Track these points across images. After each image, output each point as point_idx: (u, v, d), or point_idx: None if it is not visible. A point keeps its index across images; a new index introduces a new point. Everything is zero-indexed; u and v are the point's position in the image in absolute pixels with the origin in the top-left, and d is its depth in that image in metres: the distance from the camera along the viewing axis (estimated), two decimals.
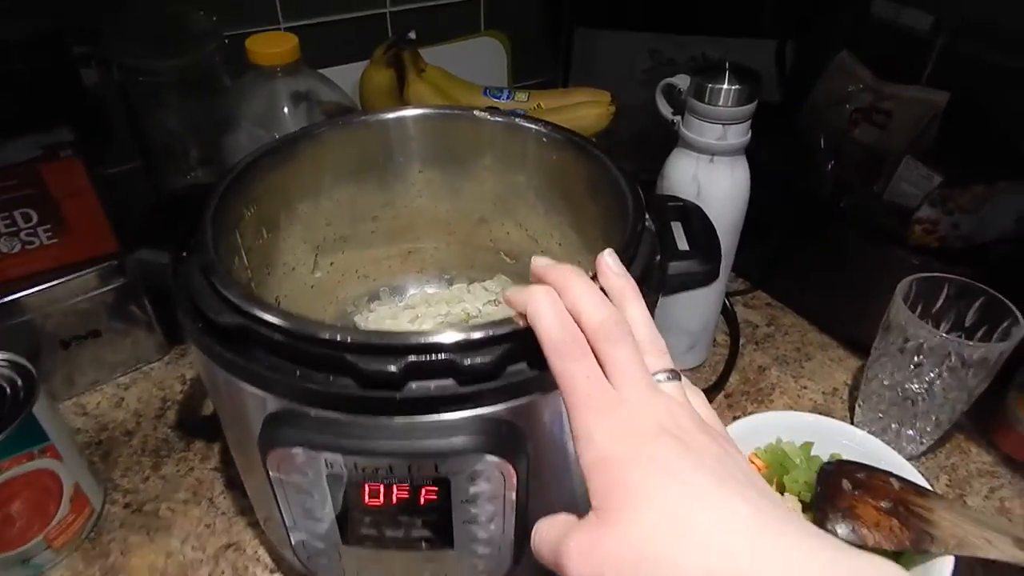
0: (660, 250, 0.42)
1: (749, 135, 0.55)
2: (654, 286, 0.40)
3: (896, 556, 0.49)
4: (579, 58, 0.91)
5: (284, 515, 0.38)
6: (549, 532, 0.29)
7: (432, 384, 0.33)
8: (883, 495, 0.51)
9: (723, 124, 0.53)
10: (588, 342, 0.30)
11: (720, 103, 0.52)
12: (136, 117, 0.65)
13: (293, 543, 0.40)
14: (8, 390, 0.47)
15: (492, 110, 0.52)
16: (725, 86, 0.52)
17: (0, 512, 0.46)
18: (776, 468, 0.55)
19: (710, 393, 0.66)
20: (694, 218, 0.45)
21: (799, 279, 0.75)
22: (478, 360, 0.32)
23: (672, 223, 0.45)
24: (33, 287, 0.57)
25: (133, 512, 0.55)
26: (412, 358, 0.32)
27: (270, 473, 0.35)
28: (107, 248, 0.60)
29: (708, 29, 0.88)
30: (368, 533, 0.37)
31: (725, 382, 0.67)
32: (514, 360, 0.34)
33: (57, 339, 0.60)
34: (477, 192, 0.55)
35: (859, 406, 0.63)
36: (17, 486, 0.46)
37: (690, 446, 0.27)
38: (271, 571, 0.52)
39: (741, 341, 0.71)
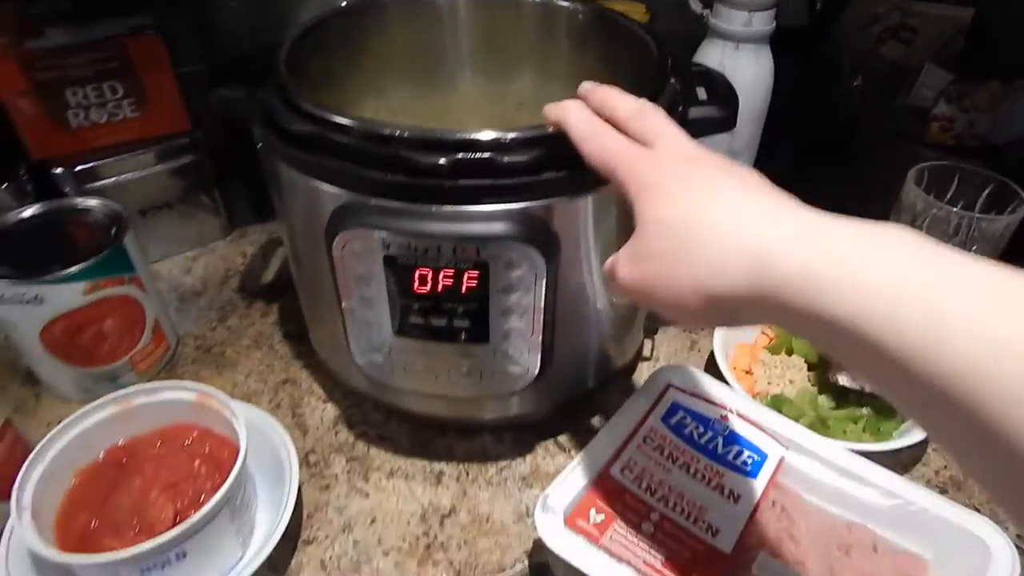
0: (683, 103, 0.46)
1: (773, 25, 0.59)
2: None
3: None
4: None
5: (345, 311, 0.44)
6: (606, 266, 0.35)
7: (476, 178, 0.38)
8: None
9: (749, 11, 0.57)
10: (622, 130, 0.35)
11: None
12: (203, 11, 0.71)
13: (351, 341, 0.46)
14: (105, 226, 0.54)
15: None
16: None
17: (95, 327, 0.53)
18: (783, 337, 0.60)
19: None
20: (716, 80, 0.49)
21: (818, 190, 0.79)
22: (516, 158, 0.38)
23: (696, 87, 0.49)
24: (116, 156, 0.64)
25: (203, 352, 0.62)
26: (459, 154, 0.38)
27: (335, 261, 0.41)
28: (181, 126, 0.67)
29: None
30: (416, 322, 0.43)
31: None
32: (550, 164, 0.39)
33: (136, 207, 0.67)
34: (516, 74, 0.60)
35: None
36: (110, 305, 0.53)
37: (721, 167, 0.32)
38: (323, 401, 0.58)
39: None
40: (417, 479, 0.52)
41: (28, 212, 0.54)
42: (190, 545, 0.40)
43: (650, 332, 0.60)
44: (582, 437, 0.55)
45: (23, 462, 0.43)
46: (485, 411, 0.51)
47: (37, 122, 0.59)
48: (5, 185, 0.59)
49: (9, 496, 0.41)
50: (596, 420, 0.57)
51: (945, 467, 0.53)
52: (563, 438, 0.55)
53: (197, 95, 0.68)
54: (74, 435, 0.44)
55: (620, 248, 0.34)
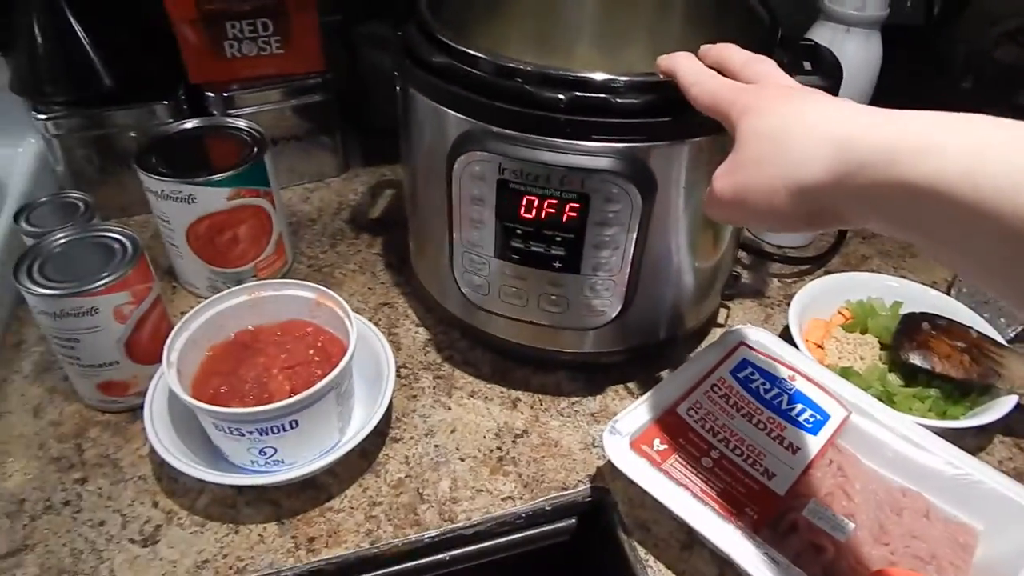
0: (789, 71, 0.49)
1: (887, 11, 0.60)
2: None
3: (963, 390, 0.54)
4: None
5: (453, 233, 0.49)
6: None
7: (589, 116, 0.42)
8: (960, 338, 0.56)
9: None
10: (735, 79, 0.39)
11: None
12: None
13: (454, 262, 0.51)
14: (249, 144, 0.61)
15: None
16: None
17: (232, 230, 0.60)
18: (861, 318, 0.61)
19: (812, 265, 0.72)
20: (823, 54, 0.51)
21: None
22: (626, 100, 0.42)
23: (803, 61, 0.52)
24: (261, 87, 0.72)
25: (314, 271, 0.69)
26: (576, 92, 0.42)
27: (453, 181, 0.46)
28: (317, 66, 0.73)
29: None
30: (517, 246, 0.47)
31: (828, 260, 0.73)
32: (656, 110, 0.42)
33: (269, 136, 0.74)
34: (630, 41, 0.63)
35: (956, 289, 0.67)
36: (246, 214, 0.60)
37: (821, 93, 0.35)
38: (416, 325, 0.64)
39: (849, 233, 0.76)
40: (495, 401, 0.57)
41: (188, 124, 0.62)
42: (301, 416, 0.46)
43: (727, 299, 0.63)
44: (650, 385, 0.58)
45: (168, 333, 0.51)
46: (563, 344, 0.55)
47: (198, 49, 0.67)
48: (166, 102, 0.67)
49: (156, 359, 0.48)
50: (665, 373, 0.60)
51: (1010, 458, 0.54)
52: (632, 384, 0.59)
53: (331, 44, 0.75)
54: (212, 314, 0.51)
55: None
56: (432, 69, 0.46)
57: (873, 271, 0.73)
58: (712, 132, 0.44)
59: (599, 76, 0.42)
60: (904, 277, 0.72)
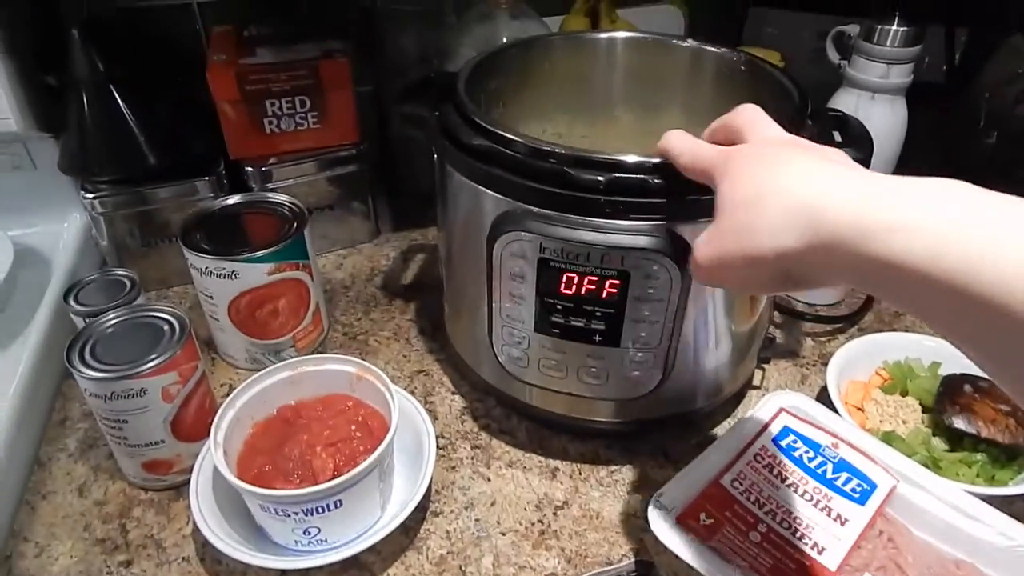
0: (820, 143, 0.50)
1: (911, 78, 0.61)
2: None
3: (1010, 455, 0.54)
4: (750, 33, 0.98)
5: (493, 307, 0.50)
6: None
7: (627, 196, 0.43)
8: (1004, 400, 0.55)
9: (887, 63, 0.60)
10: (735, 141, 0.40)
11: (887, 43, 0.59)
12: (382, 41, 0.81)
13: (493, 335, 0.52)
14: (288, 218, 0.63)
15: (680, 37, 0.62)
16: (894, 27, 0.59)
17: (272, 304, 0.61)
18: (900, 379, 0.61)
19: (845, 323, 0.72)
20: (851, 124, 0.52)
21: None
22: (662, 180, 0.43)
23: (832, 131, 0.53)
24: (297, 160, 0.74)
25: (349, 339, 0.70)
26: (614, 174, 0.43)
27: (493, 259, 0.47)
28: (352, 138, 0.76)
29: (876, 13, 0.93)
30: (557, 321, 0.48)
31: (862, 316, 0.73)
32: (693, 188, 0.43)
33: (305, 205, 0.76)
34: (664, 110, 0.65)
35: None
36: (285, 287, 0.62)
37: (801, 145, 0.36)
38: (452, 393, 0.64)
39: None
40: (533, 471, 0.57)
41: (231, 201, 0.64)
42: (345, 496, 0.46)
43: (763, 362, 0.63)
44: (690, 453, 0.58)
45: (212, 410, 0.51)
46: (601, 414, 0.56)
47: (239, 127, 0.70)
48: (207, 178, 0.70)
49: (201, 437, 0.49)
50: (703, 439, 0.60)
51: None
52: (671, 452, 0.58)
53: (364, 113, 0.77)
54: (256, 392, 0.51)
55: None
56: (471, 151, 0.47)
57: (907, 328, 0.73)
58: None
59: (636, 158, 0.43)
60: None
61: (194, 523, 0.47)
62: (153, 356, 0.48)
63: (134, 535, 0.51)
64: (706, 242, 0.36)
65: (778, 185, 0.32)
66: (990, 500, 0.48)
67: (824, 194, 0.30)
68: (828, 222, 0.29)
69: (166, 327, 0.51)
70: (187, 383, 0.51)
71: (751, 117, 0.40)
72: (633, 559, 0.51)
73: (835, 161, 0.34)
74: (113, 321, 0.51)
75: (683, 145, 0.41)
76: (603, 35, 0.63)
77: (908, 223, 0.27)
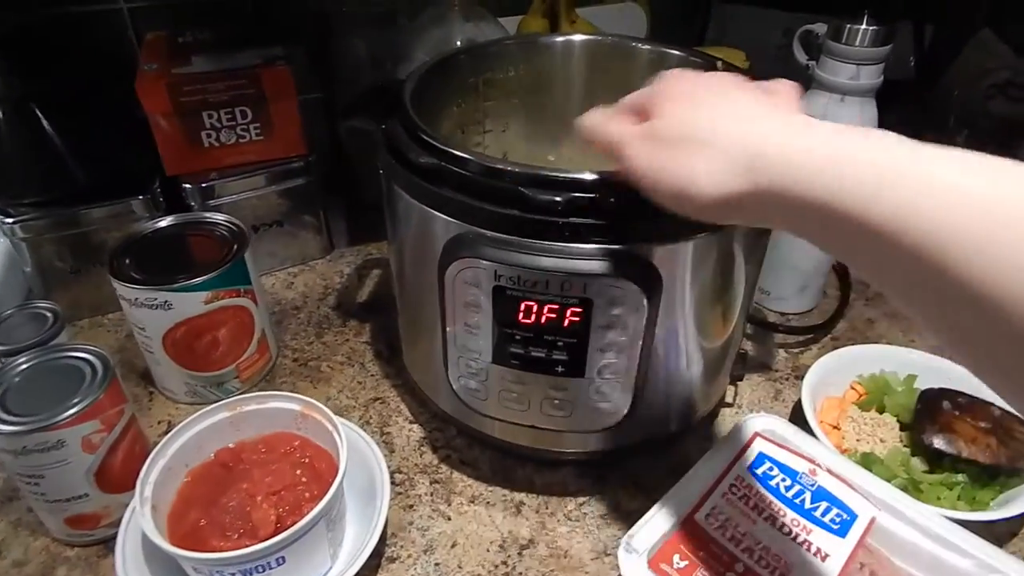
0: None
1: (881, 79, 0.59)
2: None
3: (991, 474, 0.52)
4: (714, 31, 0.96)
5: (447, 336, 0.46)
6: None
7: (588, 217, 0.40)
8: (983, 417, 0.53)
9: (857, 64, 0.58)
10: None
11: (856, 43, 0.57)
12: (332, 45, 0.76)
13: (449, 365, 0.48)
14: (228, 240, 0.58)
15: (640, 39, 0.58)
16: (863, 26, 0.56)
17: (211, 334, 0.57)
18: (876, 394, 0.58)
19: (817, 333, 0.70)
20: None
21: None
22: (626, 200, 0.39)
23: None
24: (240, 175, 0.69)
25: (300, 365, 0.66)
26: (573, 193, 0.39)
27: (445, 287, 0.43)
28: (299, 150, 0.71)
29: (844, 10, 0.91)
30: (516, 351, 0.44)
31: (833, 325, 0.70)
32: (659, 209, 0.40)
33: (249, 223, 0.72)
34: None
35: None
36: (226, 315, 0.57)
37: (736, 81, 0.36)
38: (410, 422, 0.60)
39: (852, 295, 0.74)
40: (497, 507, 0.53)
41: (163, 223, 0.59)
42: (289, 551, 0.42)
43: (735, 379, 0.60)
44: (662, 480, 0.55)
45: (142, 455, 0.47)
46: (568, 445, 0.52)
47: (175, 141, 0.65)
48: (141, 197, 0.65)
49: (129, 487, 0.45)
50: (676, 463, 0.57)
51: None
52: (643, 480, 0.55)
53: (314, 122, 0.73)
54: (190, 436, 0.47)
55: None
56: (419, 171, 0.43)
57: (880, 335, 0.71)
58: (714, 227, 0.42)
59: (595, 175, 0.39)
60: (912, 341, 0.70)
61: None
62: (71, 403, 0.44)
63: None
64: (640, 137, 0.35)
65: (716, 116, 0.33)
66: (971, 526, 0.45)
67: (764, 134, 0.31)
68: (767, 166, 0.30)
69: (87, 368, 0.46)
70: (112, 430, 0.46)
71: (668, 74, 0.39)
72: None
73: (772, 97, 0.35)
74: (25, 365, 0.46)
75: (594, 117, 0.40)
76: (559, 39, 0.59)
77: (842, 165, 0.28)
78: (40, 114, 0.61)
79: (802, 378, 0.58)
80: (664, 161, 0.34)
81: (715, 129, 0.33)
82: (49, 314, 0.54)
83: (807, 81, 0.63)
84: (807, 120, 0.32)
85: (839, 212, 0.28)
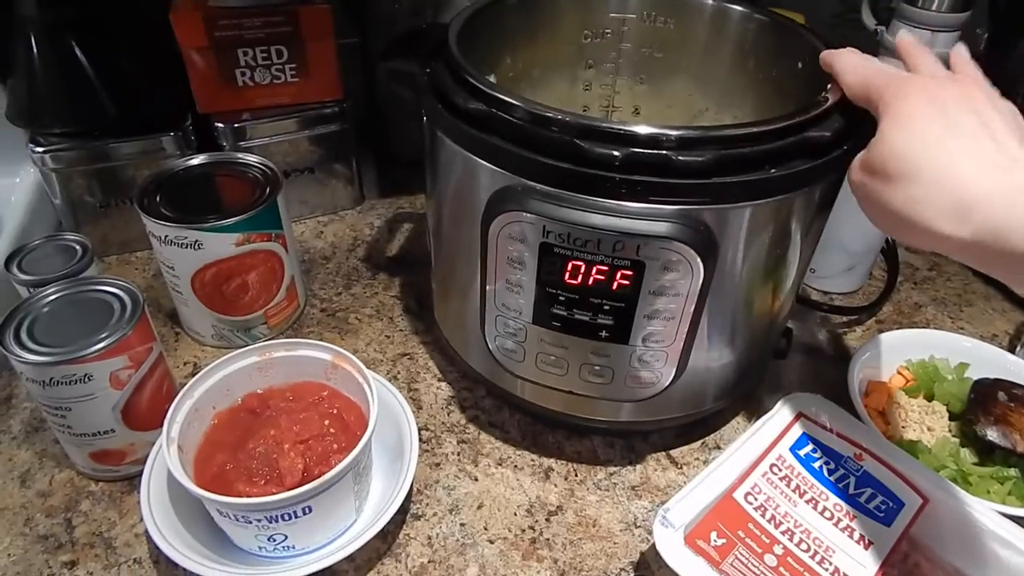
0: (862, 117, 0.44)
1: (969, 11, 0.55)
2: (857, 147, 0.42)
3: None
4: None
5: (487, 293, 0.44)
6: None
7: (646, 175, 0.37)
8: None
9: (932, 30, 0.54)
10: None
11: (934, 7, 0.53)
12: None
13: (486, 323, 0.46)
14: (260, 182, 0.56)
15: None
16: None
17: (241, 277, 0.55)
18: (925, 381, 0.56)
19: (862, 315, 0.67)
20: None
21: None
22: (689, 158, 0.37)
23: None
24: (273, 117, 0.67)
25: (328, 316, 0.64)
26: (633, 148, 0.37)
27: (488, 241, 0.41)
28: (335, 95, 0.69)
29: None
30: (559, 313, 0.42)
31: (879, 308, 0.68)
32: (721, 168, 0.37)
33: (281, 168, 0.70)
34: (674, 74, 0.59)
35: (1020, 349, 0.62)
36: (256, 259, 0.55)
37: (978, 110, 0.33)
38: (438, 379, 0.59)
39: (899, 278, 0.71)
40: (525, 471, 0.52)
41: (195, 160, 0.57)
42: (315, 502, 0.41)
43: (778, 356, 0.58)
44: (695, 454, 0.54)
45: (169, 395, 0.46)
46: (601, 413, 0.50)
47: (208, 78, 0.63)
48: (172, 134, 0.63)
49: (156, 425, 0.44)
50: (711, 439, 0.55)
51: None
52: (676, 453, 0.54)
53: (349, 68, 0.70)
54: (219, 378, 0.46)
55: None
56: (467, 117, 0.41)
57: (928, 320, 0.68)
58: (777, 193, 0.40)
59: (658, 130, 0.37)
60: (961, 328, 0.67)
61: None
62: (100, 337, 0.43)
63: (81, 532, 0.46)
64: (861, 167, 0.36)
65: (947, 168, 0.32)
66: (1023, 522, 0.43)
67: (987, 182, 0.30)
68: (991, 219, 0.30)
69: (116, 304, 0.45)
70: (140, 368, 0.45)
71: (925, 59, 0.38)
72: (632, 574, 0.46)
73: (999, 128, 0.32)
74: (54, 296, 0.45)
75: (852, 61, 0.39)
76: None
77: None
78: (73, 42, 0.59)
79: (846, 360, 0.56)
80: (882, 190, 0.34)
81: (945, 165, 0.32)
82: (78, 247, 0.53)
83: (874, 48, 0.59)
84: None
85: None
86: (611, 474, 0.52)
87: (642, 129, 0.37)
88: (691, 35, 0.56)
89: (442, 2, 0.70)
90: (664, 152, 0.37)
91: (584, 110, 0.61)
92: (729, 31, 0.55)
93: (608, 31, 0.57)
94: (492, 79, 0.42)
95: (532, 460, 0.53)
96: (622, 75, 0.59)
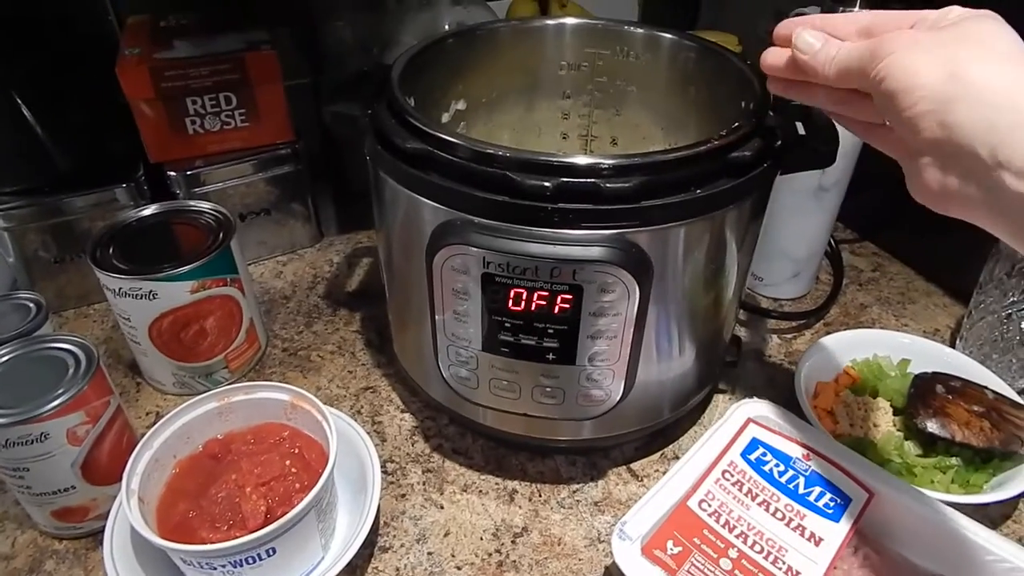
0: (782, 136, 0.46)
1: None
2: (778, 164, 0.44)
3: (984, 457, 0.51)
4: (706, 11, 0.95)
5: (436, 324, 0.46)
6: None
7: (578, 203, 0.39)
8: (976, 401, 0.53)
9: None
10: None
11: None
12: (319, 29, 0.75)
13: (439, 353, 0.47)
14: (214, 228, 0.57)
15: (632, 22, 0.57)
16: (856, 9, 0.55)
17: (198, 324, 0.56)
18: (869, 379, 0.58)
19: (810, 318, 0.69)
20: (815, 115, 0.49)
21: (909, 229, 0.77)
22: (617, 185, 0.39)
23: (796, 122, 0.49)
24: (226, 162, 0.68)
25: (289, 355, 0.65)
26: (563, 178, 0.39)
27: (433, 274, 0.43)
28: (286, 136, 0.70)
29: None
30: (506, 339, 0.44)
31: (827, 311, 0.70)
32: (648, 192, 0.39)
33: (236, 212, 0.71)
34: (614, 100, 0.61)
35: (961, 339, 0.64)
36: (213, 305, 0.56)
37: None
38: (401, 411, 0.60)
39: (844, 281, 0.74)
40: (490, 495, 0.53)
41: (147, 211, 0.58)
42: (279, 542, 0.41)
43: (729, 365, 0.60)
44: (655, 466, 0.55)
45: (130, 447, 0.46)
46: (560, 433, 0.52)
47: (158, 128, 0.64)
48: (125, 185, 0.64)
49: (117, 479, 0.44)
50: (669, 450, 0.57)
51: None
52: (636, 466, 0.55)
53: (301, 108, 0.72)
54: (178, 426, 0.46)
55: None
56: (405, 156, 0.42)
57: (873, 320, 0.71)
58: (705, 212, 0.42)
59: (585, 160, 0.39)
60: (906, 325, 0.70)
61: None
62: (55, 395, 0.43)
63: None
64: (927, 171, 0.33)
65: (973, 75, 0.30)
66: (965, 509, 0.45)
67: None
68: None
69: (71, 360, 0.46)
70: (98, 422, 0.45)
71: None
72: None
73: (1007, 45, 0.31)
74: (8, 356, 0.46)
75: (820, 64, 0.36)
76: (550, 22, 0.58)
77: None
78: (20, 100, 0.60)
79: (795, 364, 0.58)
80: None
81: (969, 84, 0.30)
82: (32, 304, 0.53)
83: None
84: None
85: None
86: (574, 492, 0.53)
87: (571, 160, 0.39)
88: (624, 65, 0.58)
89: (387, 39, 0.72)
90: (592, 180, 0.39)
91: (564, 138, 0.64)
92: (662, 59, 0.57)
93: (585, 64, 0.59)
94: (460, 106, 0.43)
95: (496, 484, 0.54)
96: (600, 106, 0.61)
